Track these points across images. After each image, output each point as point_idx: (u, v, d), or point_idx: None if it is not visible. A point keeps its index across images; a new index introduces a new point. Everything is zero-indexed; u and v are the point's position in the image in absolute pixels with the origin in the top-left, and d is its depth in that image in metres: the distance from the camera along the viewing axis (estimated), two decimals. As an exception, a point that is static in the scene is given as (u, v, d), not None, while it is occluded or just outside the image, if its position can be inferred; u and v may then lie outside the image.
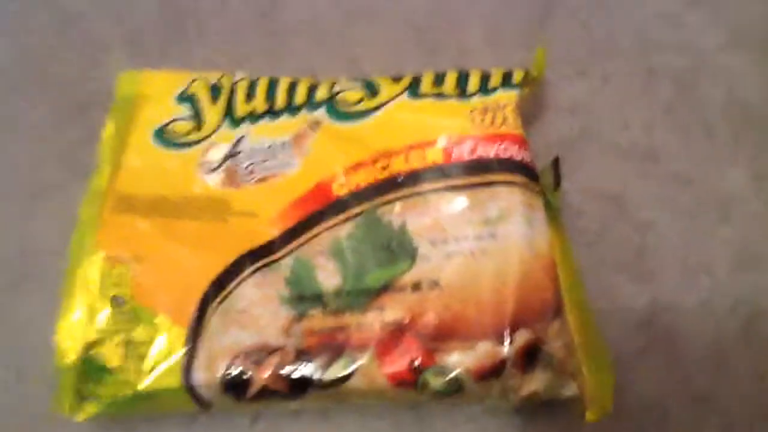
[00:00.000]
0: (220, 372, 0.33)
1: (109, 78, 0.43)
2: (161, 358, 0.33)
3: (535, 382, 0.33)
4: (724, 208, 0.42)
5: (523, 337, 0.33)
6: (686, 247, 0.41)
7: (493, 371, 0.33)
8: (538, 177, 0.37)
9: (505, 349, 0.33)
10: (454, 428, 0.37)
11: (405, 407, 0.37)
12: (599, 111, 0.44)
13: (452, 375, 0.33)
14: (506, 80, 0.38)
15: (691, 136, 0.44)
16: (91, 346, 0.34)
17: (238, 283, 0.35)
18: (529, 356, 0.33)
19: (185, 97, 0.40)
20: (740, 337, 0.38)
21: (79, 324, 0.34)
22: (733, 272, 0.40)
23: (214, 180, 0.38)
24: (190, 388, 0.33)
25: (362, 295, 0.34)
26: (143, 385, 0.33)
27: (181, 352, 0.33)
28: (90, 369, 0.34)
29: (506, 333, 0.33)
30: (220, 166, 0.38)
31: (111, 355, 0.34)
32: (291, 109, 0.39)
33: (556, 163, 0.38)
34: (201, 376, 0.33)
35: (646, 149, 0.43)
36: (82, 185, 0.40)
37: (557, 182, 0.38)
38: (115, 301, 0.34)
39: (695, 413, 0.37)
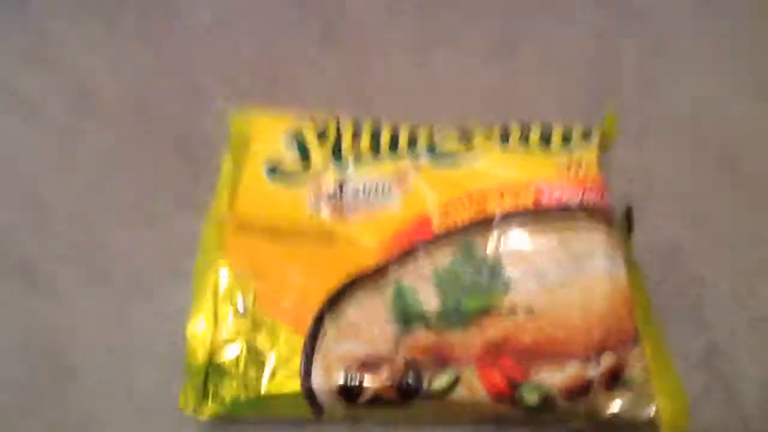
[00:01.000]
0: (336, 378, 0.36)
1: (209, 121, 0.48)
2: (281, 363, 0.37)
3: (618, 403, 0.37)
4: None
5: (607, 360, 0.37)
6: (736, 298, 0.45)
7: (581, 390, 0.36)
8: (614, 222, 0.41)
9: (593, 369, 0.37)
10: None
11: (491, 425, 0.40)
12: (654, 177, 0.49)
13: (545, 390, 0.36)
14: (586, 136, 0.43)
15: (738, 196, 0.48)
16: (216, 349, 0.37)
17: (349, 301, 0.38)
18: (613, 378, 0.37)
19: (294, 138, 0.44)
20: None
21: (206, 330, 0.38)
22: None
23: (323, 212, 0.42)
24: (308, 393, 0.36)
25: (461, 318, 0.38)
26: (264, 388, 0.36)
27: (299, 359, 0.37)
28: (214, 371, 0.37)
29: (593, 355, 0.37)
30: (327, 200, 0.42)
31: (234, 359, 0.37)
32: (393, 151, 0.43)
33: (629, 211, 0.43)
34: (319, 382, 0.36)
35: (696, 209, 0.48)
36: (189, 215, 0.44)
37: (630, 228, 0.42)
38: (239, 310, 0.38)
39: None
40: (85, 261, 0.45)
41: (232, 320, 0.38)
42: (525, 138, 0.43)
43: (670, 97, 0.53)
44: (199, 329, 0.37)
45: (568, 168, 0.42)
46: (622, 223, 0.42)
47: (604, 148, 0.44)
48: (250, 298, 0.38)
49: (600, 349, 0.37)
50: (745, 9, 0.57)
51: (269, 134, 0.45)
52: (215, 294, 0.38)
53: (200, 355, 0.37)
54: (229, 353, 0.37)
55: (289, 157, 0.44)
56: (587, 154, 0.42)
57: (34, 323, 0.43)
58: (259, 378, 0.36)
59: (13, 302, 0.44)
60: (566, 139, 0.43)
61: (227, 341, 0.37)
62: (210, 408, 0.37)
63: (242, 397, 0.36)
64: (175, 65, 0.53)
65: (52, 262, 0.45)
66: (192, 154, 0.49)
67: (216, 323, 0.38)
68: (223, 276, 0.39)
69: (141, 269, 0.45)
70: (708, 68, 0.54)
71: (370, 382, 0.36)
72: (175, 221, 0.46)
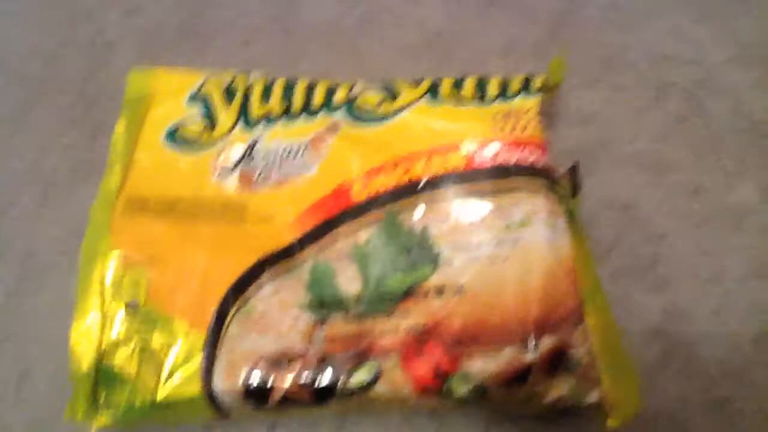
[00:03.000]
0: (241, 379, 0.32)
1: (118, 77, 0.42)
2: (179, 364, 0.32)
3: (560, 388, 0.33)
4: (735, 218, 0.42)
5: (548, 342, 0.33)
6: (698, 256, 0.41)
7: (519, 377, 0.33)
8: (557, 182, 0.37)
9: (531, 354, 0.33)
10: (474, 437, 0.36)
11: (425, 415, 0.36)
12: (611, 121, 0.45)
13: (477, 381, 0.32)
14: (526, 85, 0.38)
15: (699, 147, 0.44)
16: (105, 352, 0.33)
17: (257, 288, 0.34)
18: (554, 362, 0.33)
19: (198, 97, 0.39)
20: (756, 343, 0.38)
21: (93, 329, 0.33)
22: (745, 280, 0.40)
23: (229, 183, 0.37)
24: (210, 396, 0.32)
25: (385, 300, 0.34)
26: (161, 393, 0.32)
27: (200, 358, 0.32)
28: (104, 377, 0.33)
29: (531, 338, 0.33)
30: (234, 169, 0.37)
31: (126, 362, 0.33)
32: (309, 111, 0.38)
33: (574, 169, 0.38)
34: (222, 384, 0.32)
35: (657, 160, 0.44)
36: (88, 185, 0.39)
37: (576, 189, 0.38)
38: (130, 306, 0.33)
39: (714, 421, 0.37)
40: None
41: (122, 317, 0.33)
42: (457, 91, 0.38)
43: (634, 36, 0.48)
44: (84, 330, 0.33)
45: (505, 122, 0.37)
46: (566, 183, 0.38)
47: (547, 96, 0.39)
48: (143, 290, 0.33)
49: (539, 331, 0.33)
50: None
51: (170, 94, 0.40)
52: (103, 287, 0.34)
53: (87, 360, 0.32)
54: (121, 355, 0.33)
55: (192, 118, 0.39)
56: (527, 106, 0.37)
57: None
58: (155, 382, 0.32)
59: None
60: (503, 89, 0.38)
61: (118, 342, 0.33)
62: (102, 416, 0.33)
63: (137, 403, 0.32)
64: (85, 17, 0.47)
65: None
66: (93, 117, 0.44)
67: (105, 322, 0.33)
68: (112, 264, 0.34)
69: (34, 250, 0.40)
70: (677, 8, 0.48)
71: (279, 382, 0.32)
72: (71, 194, 0.41)
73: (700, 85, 0.46)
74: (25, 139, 0.44)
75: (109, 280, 0.34)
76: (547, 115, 0.43)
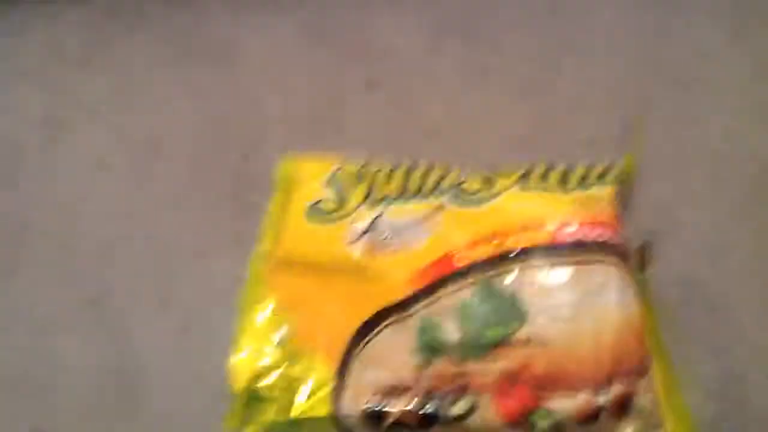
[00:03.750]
0: (362, 405, 0.40)
1: (262, 165, 0.53)
2: (313, 391, 0.41)
3: (626, 430, 0.39)
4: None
5: (617, 389, 0.39)
6: (758, 330, 0.46)
7: (591, 417, 0.39)
8: (629, 257, 0.43)
9: (602, 398, 0.39)
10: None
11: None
12: (677, 210, 0.51)
13: (557, 418, 0.39)
14: (603, 176, 0.46)
15: (759, 232, 0.50)
16: (257, 377, 0.41)
17: (377, 333, 0.42)
18: (622, 406, 0.39)
19: (333, 181, 0.49)
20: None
21: (248, 359, 0.42)
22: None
23: (357, 249, 0.46)
24: (336, 418, 0.40)
25: (480, 348, 0.41)
26: (297, 412, 0.40)
27: (329, 386, 0.41)
28: (254, 397, 0.41)
29: (603, 385, 0.39)
30: (360, 238, 0.46)
31: (272, 386, 0.41)
32: (422, 194, 0.47)
33: (644, 247, 0.45)
34: (347, 407, 0.40)
35: (722, 243, 0.50)
36: (238, 249, 0.49)
37: (645, 263, 0.44)
38: (278, 342, 0.42)
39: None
40: (150, 295, 0.50)
41: (271, 350, 0.42)
42: (545, 178, 0.46)
43: (700, 130, 0.54)
44: (242, 359, 0.42)
45: (584, 206, 0.44)
46: (638, 258, 0.45)
47: (622, 185, 0.47)
48: (288, 330, 0.42)
49: (610, 379, 0.39)
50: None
51: (312, 177, 0.50)
52: (257, 326, 0.43)
53: (243, 382, 0.41)
54: (268, 381, 0.41)
55: (328, 198, 0.48)
56: (604, 193, 0.45)
57: (103, 354, 0.48)
58: (292, 403, 0.41)
59: (87, 332, 0.49)
60: (584, 178, 0.46)
61: (267, 369, 0.42)
62: (251, 430, 0.41)
63: (278, 420, 0.41)
64: (234, 116, 0.58)
65: (121, 296, 0.51)
66: (244, 196, 0.54)
67: (257, 353, 0.42)
68: (265, 310, 0.43)
69: (198, 302, 0.50)
70: (737, 101, 0.55)
71: (393, 407, 0.40)
72: (228, 258, 0.51)
73: (759, 177, 0.52)
74: (186, 218, 0.54)
75: (262, 322, 0.43)
76: (623, 203, 0.50)
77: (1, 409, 0.47)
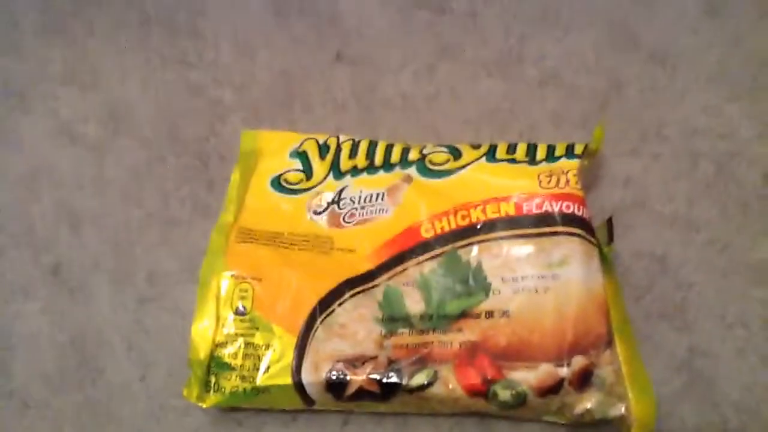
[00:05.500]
0: (323, 374, 0.40)
1: (227, 141, 0.53)
2: (275, 359, 0.40)
3: (588, 401, 0.39)
4: (758, 271, 0.47)
5: (579, 361, 0.39)
6: (723, 304, 0.46)
7: (553, 388, 0.39)
8: (594, 231, 0.43)
9: (564, 370, 0.39)
10: (515, 443, 0.42)
11: (473, 422, 0.43)
12: (648, 185, 0.51)
13: (518, 389, 0.39)
14: (569, 151, 0.46)
15: (728, 209, 0.50)
16: (218, 346, 0.41)
17: (340, 304, 0.42)
18: (584, 378, 0.39)
19: (298, 153, 0.49)
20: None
21: (209, 328, 0.41)
22: (766, 328, 0.45)
23: (320, 221, 0.45)
24: (298, 386, 0.40)
25: (443, 320, 0.41)
26: (260, 380, 0.40)
27: (291, 356, 0.40)
28: (216, 365, 0.41)
29: (565, 357, 0.39)
30: (325, 209, 0.46)
31: (233, 355, 0.41)
32: (387, 166, 0.47)
33: (610, 222, 0.45)
34: (308, 376, 0.40)
35: (688, 219, 0.50)
36: (205, 223, 0.49)
37: (611, 238, 0.44)
38: (238, 312, 0.42)
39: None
40: (113, 265, 0.50)
41: (232, 321, 0.42)
42: (511, 151, 0.46)
43: (675, 105, 0.54)
44: (202, 328, 0.41)
45: (549, 180, 0.44)
46: (603, 233, 0.45)
47: (589, 159, 0.47)
48: (249, 300, 0.42)
49: (572, 352, 0.39)
50: (750, 15, 0.57)
51: (275, 150, 0.49)
52: (218, 297, 0.42)
53: (203, 351, 0.41)
54: (229, 350, 0.41)
55: (293, 170, 0.48)
56: (568, 167, 0.45)
57: (65, 322, 0.48)
58: (255, 372, 0.40)
59: (48, 300, 0.48)
60: (551, 151, 0.46)
61: (227, 339, 0.41)
62: (212, 398, 0.41)
63: (240, 388, 0.40)
64: (199, 89, 0.57)
65: (84, 266, 0.50)
66: (210, 168, 0.53)
67: (218, 323, 0.42)
68: (225, 280, 0.43)
69: (160, 271, 0.49)
70: (714, 77, 0.55)
71: (354, 377, 0.40)
72: (192, 228, 0.51)
73: (730, 156, 0.52)
74: (151, 190, 0.53)
75: (223, 292, 0.42)
76: (592, 178, 0.50)
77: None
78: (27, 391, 0.46)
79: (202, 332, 0.41)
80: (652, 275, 0.48)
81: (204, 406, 0.41)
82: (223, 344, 0.41)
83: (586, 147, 0.46)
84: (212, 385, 0.41)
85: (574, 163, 0.45)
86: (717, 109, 0.54)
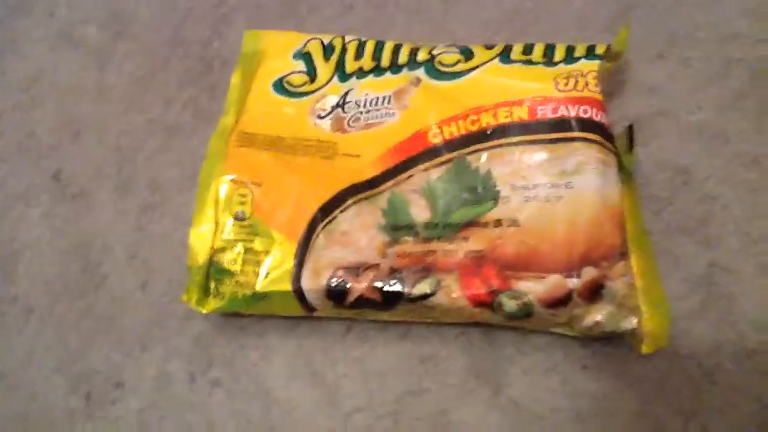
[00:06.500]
0: (324, 281, 0.39)
1: (231, 44, 0.50)
2: (275, 265, 0.39)
3: (598, 313, 0.37)
4: (788, 186, 0.45)
5: (589, 273, 0.37)
6: (749, 219, 0.44)
7: (561, 300, 0.37)
8: (613, 138, 0.41)
9: (573, 281, 0.37)
10: (522, 355, 0.41)
11: (478, 332, 0.41)
12: (675, 92, 0.48)
13: (525, 299, 0.37)
14: (590, 52, 0.43)
15: (760, 120, 0.47)
16: (217, 251, 0.40)
17: (342, 211, 0.40)
18: (594, 290, 0.37)
19: (301, 54, 0.46)
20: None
21: (207, 233, 0.40)
22: (792, 245, 0.43)
23: (324, 125, 0.43)
24: (298, 292, 0.39)
25: (449, 228, 0.39)
26: (259, 286, 0.39)
27: (291, 262, 0.39)
28: (215, 270, 0.40)
29: (575, 268, 0.37)
30: (329, 113, 0.44)
31: (233, 260, 0.40)
32: (394, 67, 0.44)
33: (630, 129, 0.42)
34: (308, 283, 0.39)
35: (717, 130, 0.47)
36: (207, 129, 0.47)
37: (631, 146, 0.42)
38: (238, 217, 0.40)
39: (739, 371, 0.40)
40: (114, 172, 0.48)
41: (231, 226, 0.40)
42: (527, 54, 0.43)
43: (704, 15, 0.51)
44: (200, 233, 0.40)
45: (567, 82, 0.41)
46: (623, 141, 0.42)
47: (612, 62, 0.44)
48: (249, 205, 0.40)
49: (582, 263, 0.37)
50: None
51: (278, 51, 0.47)
52: (216, 201, 0.41)
53: (202, 257, 0.40)
54: (228, 255, 0.40)
55: (296, 72, 0.45)
56: (588, 69, 0.42)
57: (67, 228, 0.47)
58: (254, 277, 0.39)
59: (49, 207, 0.48)
60: (569, 54, 0.43)
61: (227, 245, 0.40)
62: (211, 303, 0.40)
63: (239, 294, 0.39)
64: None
65: (85, 173, 0.49)
66: (211, 76, 0.51)
67: (217, 228, 0.40)
68: (225, 184, 0.41)
69: (162, 178, 0.48)
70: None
71: (355, 284, 0.38)
72: (194, 134, 0.49)
73: (765, 62, 0.48)
74: (153, 96, 0.51)
75: (221, 196, 0.41)
76: (615, 84, 0.47)
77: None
78: (30, 296, 0.46)
79: (201, 237, 0.40)
80: (675, 187, 0.45)
81: (203, 311, 0.40)
82: (221, 250, 0.40)
83: (608, 48, 0.43)
84: (212, 290, 0.40)
85: (595, 64, 0.42)
86: (758, 13, 0.50)
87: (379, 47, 0.45)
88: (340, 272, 0.39)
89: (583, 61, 0.42)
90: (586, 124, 0.40)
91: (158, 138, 0.50)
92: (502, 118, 0.41)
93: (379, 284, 0.38)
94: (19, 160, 0.50)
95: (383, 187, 0.41)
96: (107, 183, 0.48)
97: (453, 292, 0.38)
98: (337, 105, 0.44)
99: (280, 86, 0.45)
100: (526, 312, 0.38)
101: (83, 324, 0.44)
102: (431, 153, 0.41)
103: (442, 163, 0.41)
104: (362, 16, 0.53)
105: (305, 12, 0.53)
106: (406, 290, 0.38)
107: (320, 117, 0.44)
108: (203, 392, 0.42)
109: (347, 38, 0.46)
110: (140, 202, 0.48)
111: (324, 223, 0.40)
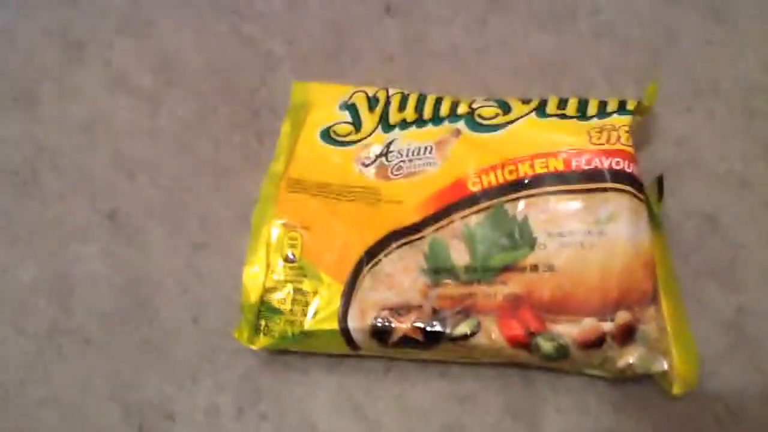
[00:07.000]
0: (369, 320, 0.41)
1: (278, 92, 0.53)
2: (323, 305, 0.42)
3: (631, 356, 0.40)
4: (811, 234, 0.47)
5: (622, 317, 0.40)
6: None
7: (595, 342, 0.39)
8: (643, 188, 0.43)
9: (607, 324, 0.39)
10: (556, 395, 0.43)
11: (515, 373, 0.43)
12: (702, 143, 0.50)
13: (561, 341, 0.39)
14: (621, 107, 0.45)
15: (784, 170, 0.49)
16: (268, 291, 0.42)
17: (386, 254, 0.42)
18: (627, 333, 0.39)
19: (347, 106, 0.49)
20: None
21: (260, 273, 0.43)
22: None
23: (368, 173, 0.46)
24: (345, 331, 0.41)
25: (488, 272, 0.41)
26: (308, 325, 0.41)
27: (338, 302, 0.41)
28: (266, 309, 0.42)
29: (608, 312, 0.39)
30: (373, 162, 0.46)
31: (283, 299, 0.42)
32: (436, 119, 0.47)
33: (660, 179, 0.45)
34: (354, 323, 0.41)
35: (742, 178, 0.49)
36: (255, 173, 0.50)
37: (660, 195, 0.44)
38: (288, 259, 0.43)
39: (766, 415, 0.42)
40: (166, 212, 0.51)
41: (281, 267, 0.43)
42: (562, 109, 0.46)
43: (734, 62, 0.53)
44: (253, 273, 0.43)
45: (600, 136, 0.44)
46: (652, 189, 0.44)
47: (642, 115, 0.46)
48: (298, 248, 0.43)
49: (616, 307, 0.40)
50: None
51: (325, 102, 0.50)
52: (268, 243, 0.43)
53: (254, 296, 0.42)
54: (279, 295, 0.42)
55: (343, 121, 0.48)
56: (620, 123, 0.44)
57: (121, 265, 0.50)
58: (303, 317, 0.42)
59: (105, 244, 0.50)
60: (601, 108, 0.45)
61: (277, 285, 0.42)
62: (261, 340, 0.42)
63: (288, 332, 0.42)
64: (250, 40, 0.58)
65: (139, 213, 0.51)
66: (258, 123, 0.54)
67: (268, 269, 0.43)
68: (276, 228, 0.44)
69: (212, 218, 0.51)
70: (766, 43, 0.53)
71: (399, 324, 0.41)
72: (242, 177, 0.52)
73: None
74: (203, 140, 0.54)
75: (273, 239, 0.44)
76: (644, 135, 0.50)
77: (24, 310, 0.48)
78: (87, 328, 0.48)
79: (253, 277, 0.43)
80: (702, 234, 0.47)
81: (254, 347, 0.43)
82: (272, 289, 0.42)
83: (639, 103, 0.45)
84: (262, 328, 0.42)
85: (626, 119, 0.44)
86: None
87: (421, 100, 0.48)
88: (385, 312, 0.41)
89: (615, 116, 0.45)
90: (618, 176, 0.42)
91: (208, 179, 0.52)
92: (539, 168, 0.43)
93: (421, 324, 0.41)
94: (76, 199, 0.53)
95: (425, 232, 0.43)
96: (160, 221, 0.51)
97: (492, 333, 0.40)
98: (381, 154, 0.46)
99: (327, 135, 0.48)
100: (562, 353, 0.40)
101: (137, 356, 0.47)
102: (470, 200, 0.43)
103: (480, 210, 0.43)
104: (401, 66, 0.56)
105: (348, 63, 0.56)
106: (447, 331, 0.40)
107: (365, 165, 0.46)
108: (251, 425, 0.44)
109: (391, 91, 0.49)
110: (191, 240, 0.50)
111: (369, 265, 0.42)
